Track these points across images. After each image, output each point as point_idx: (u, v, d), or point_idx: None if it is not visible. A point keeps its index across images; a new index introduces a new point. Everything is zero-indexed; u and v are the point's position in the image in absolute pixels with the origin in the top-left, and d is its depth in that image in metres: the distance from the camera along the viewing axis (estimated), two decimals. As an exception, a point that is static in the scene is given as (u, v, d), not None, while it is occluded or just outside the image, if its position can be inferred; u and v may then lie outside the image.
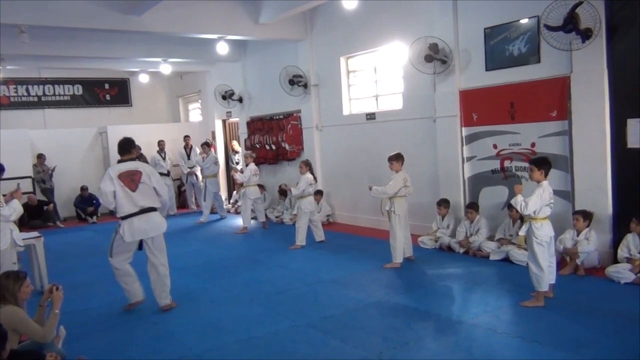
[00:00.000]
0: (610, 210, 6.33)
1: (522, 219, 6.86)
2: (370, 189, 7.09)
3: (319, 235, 8.76)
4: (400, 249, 6.96)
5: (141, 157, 13.56)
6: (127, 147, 5.69)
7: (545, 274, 5.15)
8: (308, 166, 8.59)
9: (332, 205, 10.72)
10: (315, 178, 8.66)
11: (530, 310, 5.11)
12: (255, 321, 5.29)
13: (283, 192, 11.53)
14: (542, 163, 5.18)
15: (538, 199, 5.05)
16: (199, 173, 13.02)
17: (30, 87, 14.90)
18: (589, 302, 5.32)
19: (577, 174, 6.55)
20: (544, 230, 5.13)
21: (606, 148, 6.26)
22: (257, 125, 12.52)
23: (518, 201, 5.11)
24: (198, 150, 13.71)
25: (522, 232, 5.36)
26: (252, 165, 10.20)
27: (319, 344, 4.64)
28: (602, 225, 6.34)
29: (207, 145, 12.23)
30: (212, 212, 12.13)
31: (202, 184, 12.41)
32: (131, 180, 5.49)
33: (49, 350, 3.84)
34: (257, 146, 12.31)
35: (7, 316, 3.83)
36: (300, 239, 8.50)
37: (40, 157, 12.58)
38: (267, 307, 5.70)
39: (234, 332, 5.03)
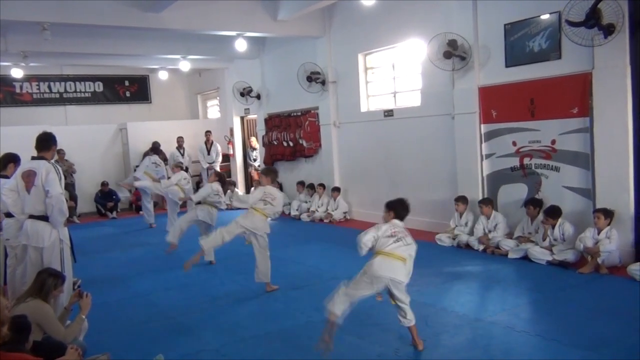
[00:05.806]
0: (632, 208, 6.22)
1: (543, 215, 6.80)
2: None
3: (209, 255, 7.46)
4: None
5: (160, 153, 13.73)
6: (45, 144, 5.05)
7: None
8: (218, 176, 8.22)
9: (349, 202, 10.70)
10: (226, 191, 8.13)
11: (550, 309, 5.05)
12: (272, 317, 5.32)
13: (311, 187, 11.52)
14: (394, 206, 4.68)
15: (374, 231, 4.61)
16: (217, 168, 13.06)
17: (52, 83, 15.14)
18: (610, 300, 5.25)
19: (598, 172, 6.46)
20: (373, 265, 4.54)
21: (628, 145, 6.16)
22: (274, 122, 12.55)
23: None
24: (219, 146, 13.78)
25: None
26: (183, 173, 9.91)
27: (335, 340, 4.63)
28: (623, 223, 6.24)
29: (151, 150, 11.61)
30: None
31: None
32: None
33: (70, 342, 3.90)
34: (275, 143, 12.35)
35: (35, 310, 3.89)
36: (172, 236, 7.56)
37: (60, 152, 12.72)
38: (284, 303, 5.72)
39: (250, 327, 5.06)
